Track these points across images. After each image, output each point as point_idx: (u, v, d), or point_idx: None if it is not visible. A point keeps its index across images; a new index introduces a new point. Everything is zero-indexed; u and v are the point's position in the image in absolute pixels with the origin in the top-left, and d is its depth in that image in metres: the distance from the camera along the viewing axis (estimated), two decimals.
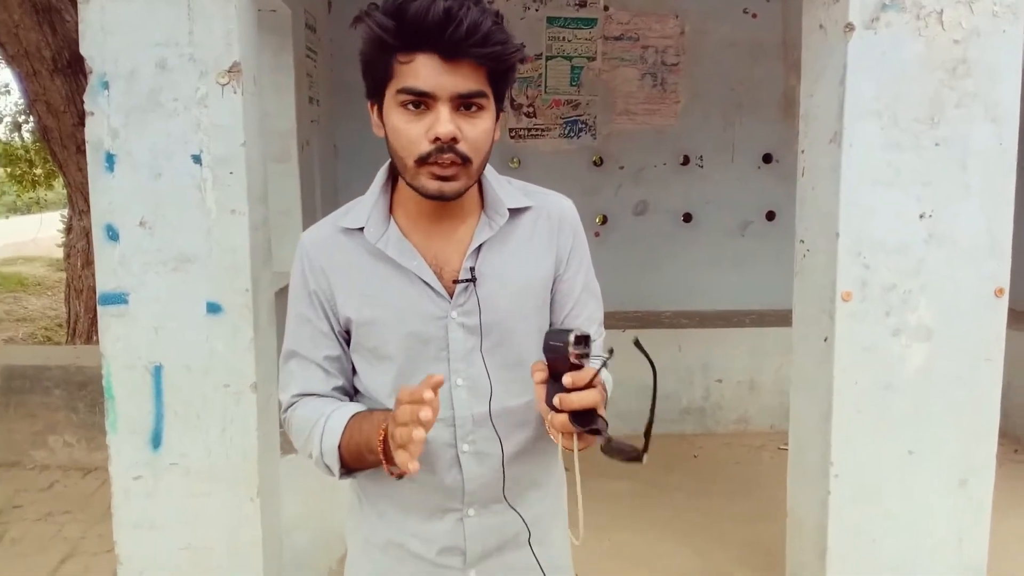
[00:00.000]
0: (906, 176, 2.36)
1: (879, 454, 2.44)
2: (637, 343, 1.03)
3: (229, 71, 2.24)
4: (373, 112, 1.19)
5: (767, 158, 5.15)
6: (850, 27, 2.31)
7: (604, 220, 5.15)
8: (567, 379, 1.00)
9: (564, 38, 5.01)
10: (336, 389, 1.29)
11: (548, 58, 5.02)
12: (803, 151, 2.58)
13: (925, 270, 2.39)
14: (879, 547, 2.47)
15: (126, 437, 2.33)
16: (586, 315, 1.32)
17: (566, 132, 5.09)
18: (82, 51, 2.24)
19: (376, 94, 1.16)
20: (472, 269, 1.21)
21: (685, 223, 5.21)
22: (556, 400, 1.01)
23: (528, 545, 1.27)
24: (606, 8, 4.99)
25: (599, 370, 1.01)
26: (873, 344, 2.40)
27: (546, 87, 5.04)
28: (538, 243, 1.27)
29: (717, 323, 4.88)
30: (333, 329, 1.27)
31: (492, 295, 1.22)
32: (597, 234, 5.13)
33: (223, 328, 2.30)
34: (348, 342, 1.28)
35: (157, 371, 2.31)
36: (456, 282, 1.21)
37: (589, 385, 1.01)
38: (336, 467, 1.20)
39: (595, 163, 5.12)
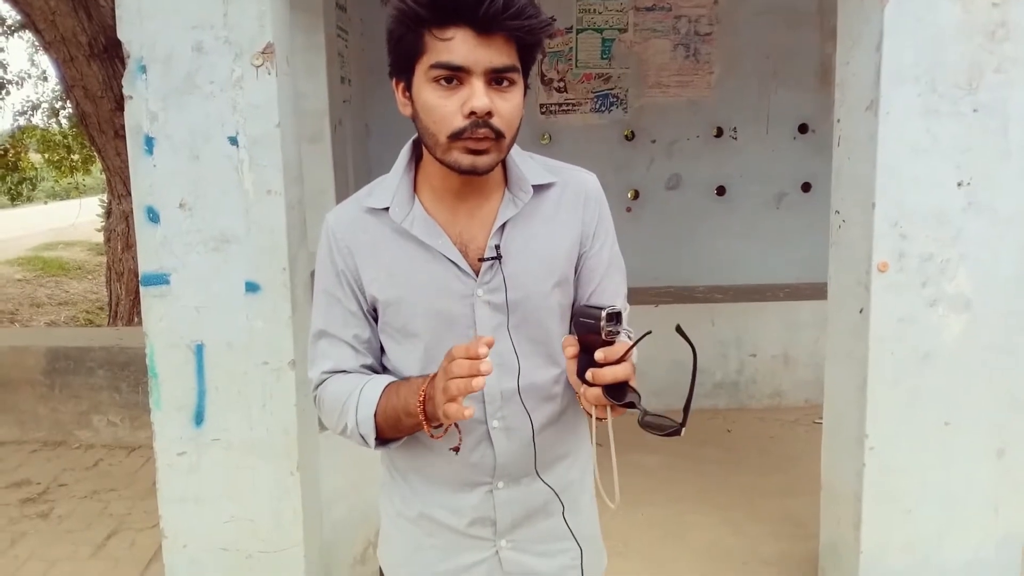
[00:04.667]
0: (944, 143, 2.32)
1: (915, 425, 2.42)
2: (679, 329, 1.05)
3: (263, 52, 2.27)
4: (398, 90, 1.19)
5: (803, 128, 5.08)
6: None
7: (636, 195, 5.13)
8: (599, 355, 1.01)
9: (595, 10, 4.97)
10: (365, 367, 1.30)
11: (579, 31, 4.99)
12: (839, 120, 2.54)
13: (963, 239, 2.35)
14: (914, 518, 2.46)
15: (170, 414, 2.39)
16: (612, 289, 1.33)
17: (597, 106, 5.07)
18: (120, 36, 2.28)
19: (404, 70, 1.15)
20: (497, 247, 1.22)
21: (719, 196, 5.17)
22: (589, 375, 1.03)
23: (560, 516, 1.29)
24: None
25: (632, 346, 1.02)
26: (910, 315, 2.38)
27: (577, 61, 5.02)
28: (563, 219, 1.27)
29: (751, 297, 4.85)
30: (361, 308, 1.28)
31: (517, 272, 1.22)
32: (629, 209, 5.12)
33: (262, 306, 2.34)
34: (376, 320, 1.30)
35: (199, 349, 2.37)
36: (482, 260, 1.22)
37: (620, 359, 1.02)
38: (372, 437, 1.22)
39: (627, 137, 5.09)
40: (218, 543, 2.45)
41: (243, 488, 2.42)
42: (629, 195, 5.12)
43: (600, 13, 4.96)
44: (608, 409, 1.05)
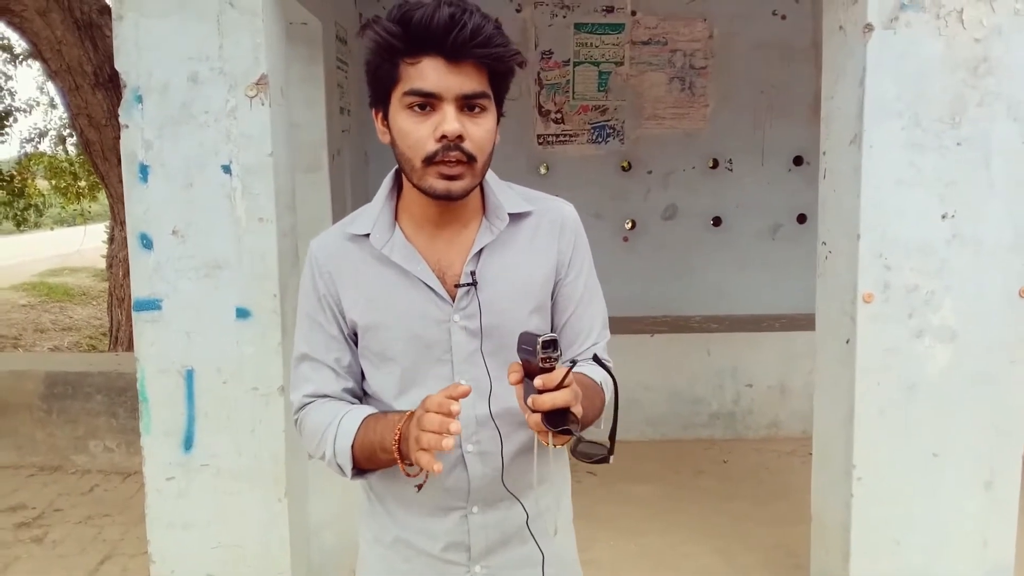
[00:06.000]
0: (928, 176, 2.36)
1: (903, 456, 2.43)
2: (596, 358, 1.13)
3: (257, 83, 2.31)
4: (377, 119, 1.23)
5: (798, 160, 5.12)
6: (869, 27, 2.31)
7: (633, 225, 5.16)
8: (538, 381, 1.03)
9: (592, 44, 5.04)
10: (346, 391, 1.32)
11: (576, 64, 5.05)
12: (824, 153, 2.58)
13: (948, 271, 2.38)
14: (903, 549, 2.46)
15: (159, 439, 2.41)
16: (588, 318, 1.35)
17: (594, 138, 5.12)
18: (117, 66, 2.33)
19: (381, 100, 1.20)
20: (473, 273, 1.24)
21: (715, 227, 5.20)
22: (529, 401, 1.04)
23: (527, 528, 1.28)
24: (633, 13, 5.01)
25: (567, 373, 1.03)
26: (895, 346, 2.39)
27: (574, 93, 5.08)
28: (539, 247, 1.30)
29: (747, 327, 4.86)
30: (342, 332, 1.30)
31: (493, 298, 1.25)
32: (626, 239, 5.15)
33: (252, 332, 2.37)
34: (357, 344, 1.32)
35: (189, 375, 2.39)
36: (458, 286, 1.24)
37: (561, 386, 1.03)
38: (348, 467, 1.24)
39: (623, 168, 5.14)
40: (206, 569, 2.45)
41: (231, 514, 2.43)
42: (626, 225, 5.15)
43: (597, 47, 5.03)
44: (550, 436, 1.06)
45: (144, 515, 2.48)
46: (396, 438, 1.15)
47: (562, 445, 1.10)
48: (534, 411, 1.04)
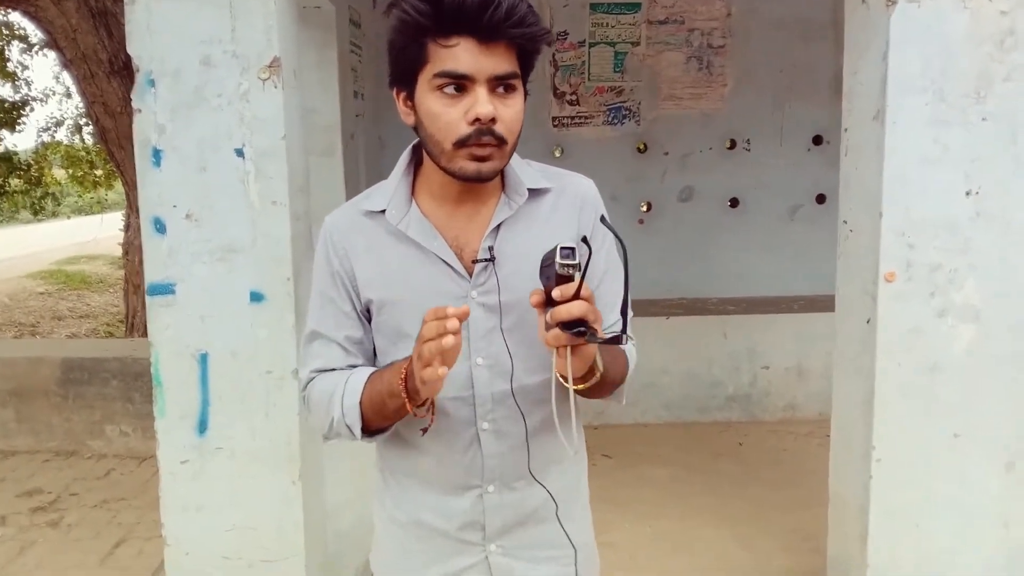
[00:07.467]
0: (953, 153, 2.30)
1: (923, 437, 2.39)
2: (603, 219, 1.14)
3: (269, 66, 2.29)
4: (400, 99, 1.20)
5: (817, 140, 5.07)
6: (892, 1, 2.25)
7: (649, 207, 5.12)
8: (556, 292, 1.01)
9: (607, 24, 4.99)
10: (353, 368, 1.30)
11: (591, 45, 5.00)
12: (846, 129, 2.53)
13: (972, 249, 2.33)
14: (922, 531, 2.42)
15: (174, 422, 2.41)
16: (613, 292, 1.32)
17: (610, 119, 5.07)
18: (129, 50, 2.32)
19: (406, 80, 1.17)
20: (491, 248, 1.22)
21: (732, 208, 5.15)
22: (548, 316, 1.02)
23: (553, 519, 1.28)
24: None
25: (581, 281, 1.01)
26: (917, 325, 2.35)
27: (589, 74, 5.03)
28: (559, 222, 1.27)
29: (764, 309, 4.82)
30: (355, 309, 1.29)
31: (511, 274, 1.22)
32: (641, 221, 5.11)
33: (266, 316, 2.36)
34: (370, 321, 1.30)
35: (203, 358, 2.38)
36: (475, 262, 1.22)
37: (576, 296, 1.02)
38: (357, 426, 1.22)
39: (639, 150, 5.09)
40: (220, 551, 2.46)
41: (246, 497, 2.43)
42: (642, 207, 5.11)
43: (613, 27, 4.97)
44: (568, 360, 1.05)
45: (159, 498, 2.48)
46: (402, 377, 1.14)
47: (582, 387, 1.10)
48: (552, 325, 1.02)
